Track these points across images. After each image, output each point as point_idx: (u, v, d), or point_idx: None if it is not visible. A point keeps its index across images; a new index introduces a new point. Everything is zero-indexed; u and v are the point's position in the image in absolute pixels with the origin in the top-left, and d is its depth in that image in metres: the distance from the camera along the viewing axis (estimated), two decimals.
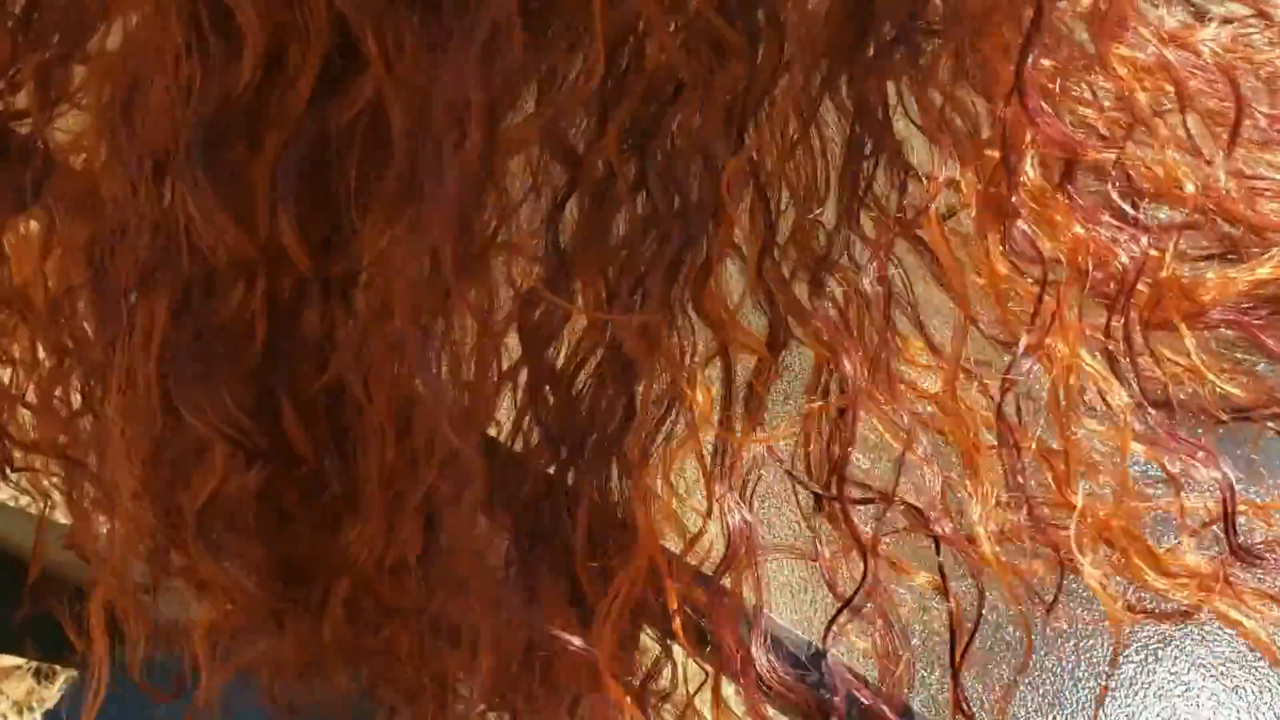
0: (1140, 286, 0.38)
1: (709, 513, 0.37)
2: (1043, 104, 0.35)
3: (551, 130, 0.35)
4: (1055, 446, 0.40)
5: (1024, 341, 0.37)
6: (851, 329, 0.38)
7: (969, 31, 0.36)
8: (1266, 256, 0.41)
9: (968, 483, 0.37)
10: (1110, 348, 0.36)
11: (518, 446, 0.40)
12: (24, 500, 0.53)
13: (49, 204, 0.40)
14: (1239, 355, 0.43)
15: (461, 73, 0.33)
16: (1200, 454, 0.37)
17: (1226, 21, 0.46)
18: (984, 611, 0.39)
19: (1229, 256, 0.43)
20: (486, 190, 0.36)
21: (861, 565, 0.38)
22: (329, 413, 0.41)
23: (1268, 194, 0.41)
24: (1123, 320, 0.36)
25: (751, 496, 0.37)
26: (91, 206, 0.39)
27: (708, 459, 0.36)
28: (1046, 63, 0.39)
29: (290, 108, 0.35)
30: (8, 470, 0.46)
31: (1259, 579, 0.40)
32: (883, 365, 0.38)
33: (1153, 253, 0.36)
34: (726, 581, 0.39)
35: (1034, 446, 0.38)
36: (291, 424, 0.40)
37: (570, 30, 0.35)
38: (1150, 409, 0.37)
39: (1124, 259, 0.35)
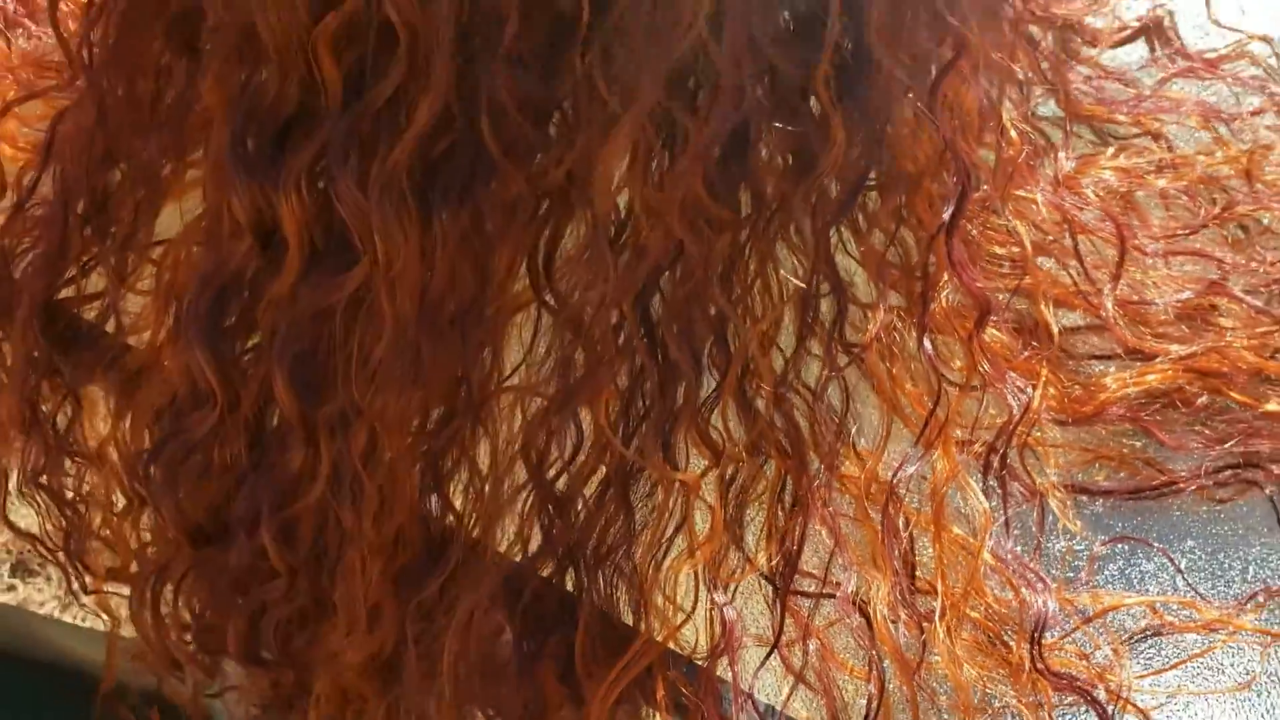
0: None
1: (694, 608, 0.44)
2: (963, 256, 0.43)
3: (556, 294, 0.42)
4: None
5: (910, 450, 0.44)
6: (807, 442, 0.45)
7: (904, 190, 0.43)
8: (1157, 364, 0.49)
9: (873, 571, 0.44)
10: (989, 460, 0.44)
11: (517, 553, 0.47)
12: (89, 620, 0.59)
13: (116, 377, 0.46)
14: (1137, 443, 0.51)
15: (456, 265, 0.39)
16: (1031, 578, 0.44)
17: (1123, 149, 0.54)
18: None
19: (1130, 357, 0.51)
20: (486, 350, 0.43)
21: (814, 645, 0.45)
22: (307, 535, 0.47)
23: (1154, 308, 0.48)
24: (1001, 450, 0.43)
25: (734, 594, 0.44)
26: (152, 379, 0.45)
27: (699, 566, 0.43)
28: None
29: (282, 286, 0.42)
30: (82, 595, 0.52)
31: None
32: (830, 472, 0.45)
33: (1034, 402, 0.43)
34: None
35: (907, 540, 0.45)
36: (270, 541, 0.46)
37: (569, 204, 0.42)
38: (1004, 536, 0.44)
39: (1012, 404, 0.43)
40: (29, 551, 0.65)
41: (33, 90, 0.50)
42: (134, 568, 0.49)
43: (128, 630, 0.51)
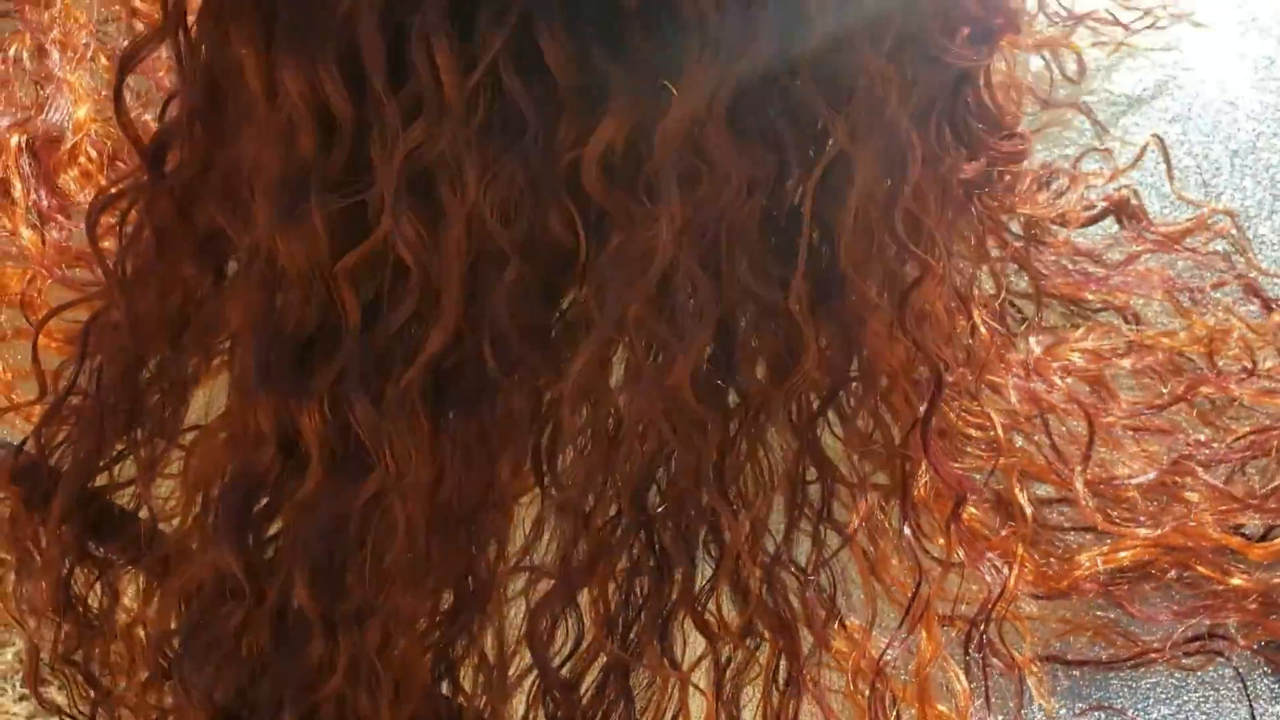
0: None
1: None
2: (940, 447, 0.46)
3: (558, 485, 0.45)
4: None
5: (896, 631, 0.46)
6: (800, 620, 0.48)
7: (880, 387, 0.47)
8: (1126, 542, 0.51)
9: None
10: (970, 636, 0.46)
11: None
12: None
13: (147, 562, 0.50)
14: (1110, 615, 0.53)
15: (465, 470, 0.43)
16: None
17: (1091, 330, 0.57)
18: None
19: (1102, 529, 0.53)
20: (495, 544, 0.46)
21: None
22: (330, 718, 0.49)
23: (1124, 486, 0.51)
24: (981, 627, 0.46)
25: None
26: (181, 565, 0.49)
27: None
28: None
29: (304, 493, 0.45)
30: None
31: None
32: (823, 649, 0.48)
33: (1011, 582, 0.46)
34: None
35: None
36: None
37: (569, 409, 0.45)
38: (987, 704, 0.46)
39: (990, 582, 0.45)
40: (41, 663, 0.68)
41: (71, 290, 0.54)
42: None
43: None
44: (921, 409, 0.46)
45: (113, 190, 0.48)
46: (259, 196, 0.42)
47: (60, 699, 0.56)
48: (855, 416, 0.48)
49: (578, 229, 0.40)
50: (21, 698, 1.33)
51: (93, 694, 0.53)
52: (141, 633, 0.49)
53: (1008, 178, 0.49)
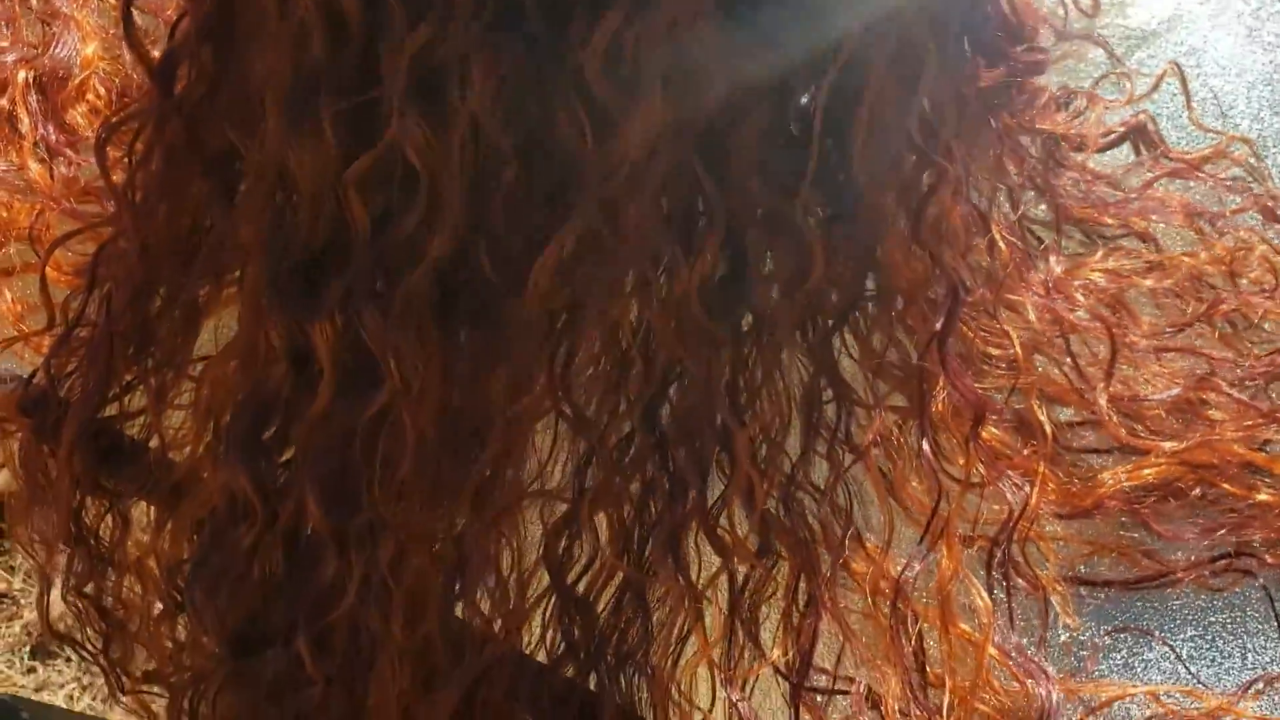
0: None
1: (713, 705, 0.46)
2: (958, 363, 0.45)
3: (572, 405, 0.44)
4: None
5: (916, 547, 0.46)
6: (818, 540, 0.48)
7: (897, 302, 0.46)
8: (1151, 459, 0.51)
9: (884, 666, 0.46)
10: (992, 555, 0.46)
11: (541, 655, 0.49)
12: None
13: (158, 491, 0.49)
14: (1135, 535, 0.52)
15: (476, 382, 0.42)
16: (1035, 670, 0.46)
17: (1112, 251, 0.56)
18: None
19: (1125, 449, 0.53)
20: (507, 459, 0.45)
21: None
22: (341, 644, 0.49)
23: (1147, 403, 0.51)
24: (1003, 545, 0.45)
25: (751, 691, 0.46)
26: (192, 493, 0.48)
27: (717, 666, 0.45)
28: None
29: (316, 408, 0.44)
30: (120, 695, 0.54)
31: None
32: (840, 570, 0.47)
33: (1033, 499, 0.45)
34: None
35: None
36: (305, 650, 0.49)
37: (580, 322, 0.44)
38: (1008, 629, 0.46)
39: (1011, 500, 0.45)
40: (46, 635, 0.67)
41: (80, 221, 0.53)
42: (170, 671, 0.51)
43: None
44: (939, 324, 0.45)
45: (123, 114, 0.48)
46: (269, 108, 0.42)
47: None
48: (871, 335, 0.47)
49: (585, 131, 0.39)
50: (29, 670, 1.32)
51: (105, 627, 0.53)
52: (153, 564, 0.49)
53: (1026, 93, 0.48)
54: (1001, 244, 0.47)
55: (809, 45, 0.42)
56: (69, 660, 1.43)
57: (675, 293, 0.42)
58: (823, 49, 0.41)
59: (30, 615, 1.46)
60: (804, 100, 0.42)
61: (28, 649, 1.52)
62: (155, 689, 0.53)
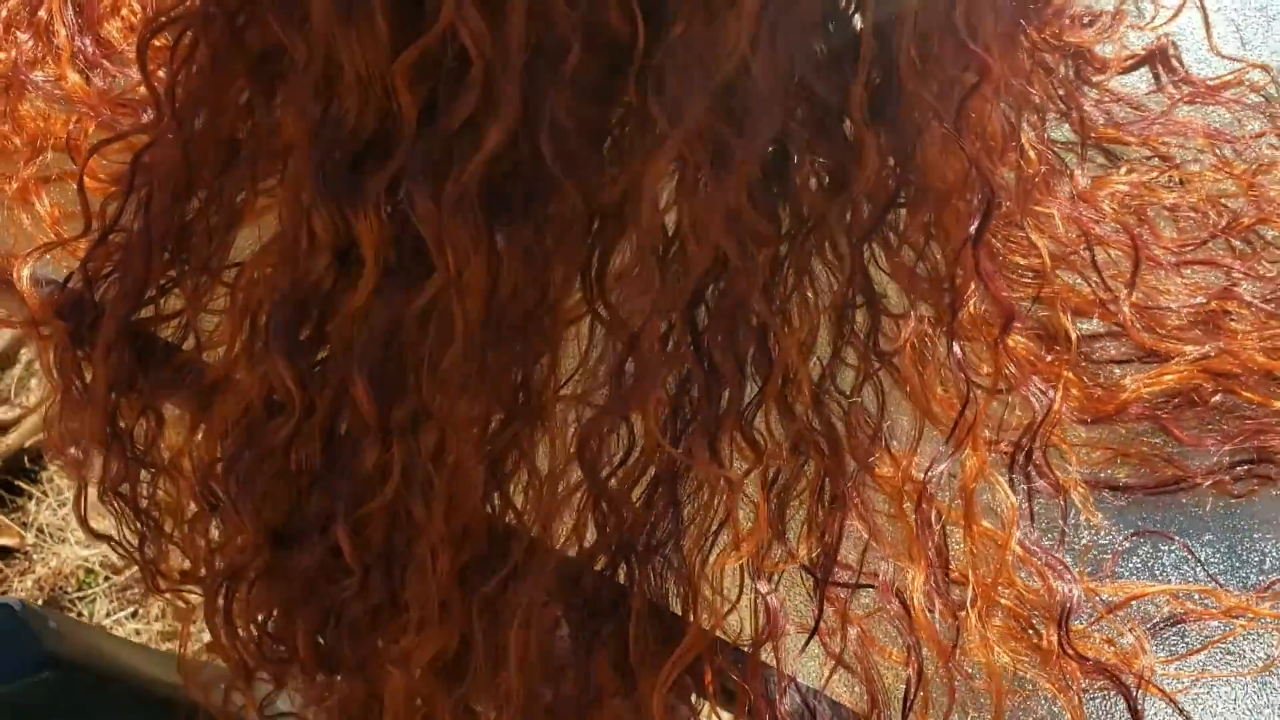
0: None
1: (739, 598, 0.47)
2: (989, 266, 0.46)
3: (608, 306, 0.45)
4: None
5: (941, 449, 0.47)
6: (844, 443, 0.48)
7: (932, 206, 0.47)
8: (1173, 365, 0.51)
9: (908, 563, 0.47)
10: (1015, 458, 0.47)
11: (573, 549, 0.50)
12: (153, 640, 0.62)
13: (191, 391, 0.50)
14: (1156, 440, 0.53)
15: (519, 277, 0.43)
16: (1057, 567, 0.47)
17: (1134, 169, 0.57)
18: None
19: (1147, 360, 0.54)
20: (548, 356, 0.46)
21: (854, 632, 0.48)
22: (379, 532, 0.50)
23: (1169, 313, 0.51)
24: (1027, 448, 0.46)
25: (777, 584, 0.46)
26: (226, 392, 0.49)
27: (744, 559, 0.46)
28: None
29: (358, 299, 0.45)
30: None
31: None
32: (866, 471, 0.48)
33: (1056, 403, 0.46)
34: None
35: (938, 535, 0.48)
36: (344, 539, 0.50)
37: (621, 221, 0.45)
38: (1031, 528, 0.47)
39: (1036, 405, 0.46)
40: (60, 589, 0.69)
41: (117, 130, 0.54)
42: (204, 572, 0.52)
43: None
44: (973, 227, 0.46)
45: (169, 14, 0.48)
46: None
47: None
48: (902, 245, 0.48)
49: (635, 18, 0.40)
50: None
51: (141, 527, 0.54)
52: (187, 464, 0.50)
53: (1054, 5, 0.49)
54: (1032, 153, 0.48)
55: None
56: (80, 615, 1.44)
57: (724, 185, 0.43)
58: None
59: (42, 570, 1.47)
60: None
61: (40, 603, 1.52)
62: (190, 589, 0.54)
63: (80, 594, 1.43)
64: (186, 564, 0.53)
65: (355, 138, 0.44)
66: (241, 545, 0.50)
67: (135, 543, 0.54)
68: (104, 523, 0.54)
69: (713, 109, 0.42)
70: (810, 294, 0.48)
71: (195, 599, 0.54)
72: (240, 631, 0.52)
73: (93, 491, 0.53)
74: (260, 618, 0.52)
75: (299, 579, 0.50)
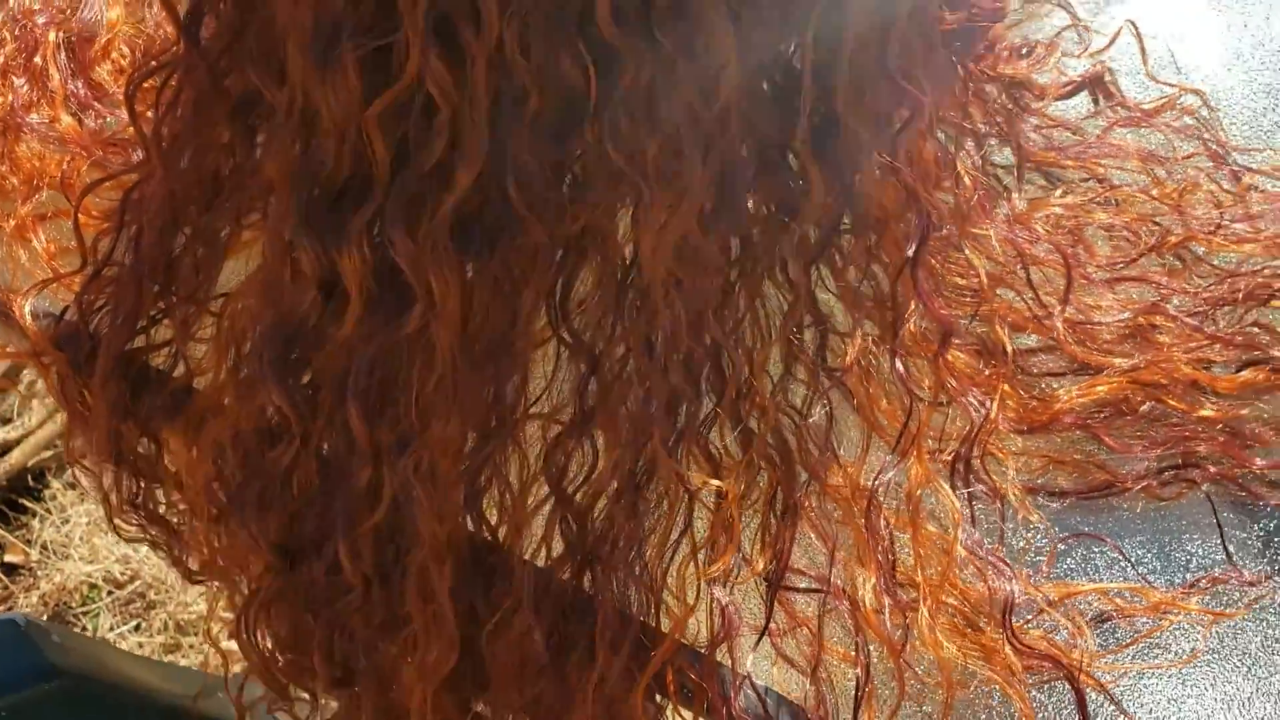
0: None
1: (697, 603, 0.50)
2: (928, 286, 0.49)
3: (572, 331, 0.48)
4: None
5: (887, 459, 0.50)
6: (796, 455, 0.52)
7: (873, 231, 0.50)
8: (1104, 376, 0.55)
9: (859, 567, 0.50)
10: (956, 466, 0.50)
11: (541, 559, 0.53)
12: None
13: (183, 416, 0.53)
14: (1089, 448, 0.56)
15: (489, 307, 0.46)
16: (998, 566, 0.50)
17: (1070, 191, 0.60)
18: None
19: (1080, 372, 0.57)
20: (517, 378, 0.49)
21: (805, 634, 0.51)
22: (376, 548, 0.53)
23: (1101, 327, 0.55)
24: (966, 455, 0.50)
25: (733, 590, 0.50)
26: (215, 417, 0.52)
27: (701, 565, 0.49)
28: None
29: (345, 331, 0.48)
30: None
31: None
32: (817, 482, 0.51)
33: (993, 413, 0.50)
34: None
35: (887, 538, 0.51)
36: (344, 556, 0.53)
37: (582, 252, 0.48)
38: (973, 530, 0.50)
39: (974, 415, 0.49)
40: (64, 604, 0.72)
41: (108, 170, 0.57)
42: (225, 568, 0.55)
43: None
44: (911, 251, 0.49)
45: (154, 63, 0.51)
46: (293, 53, 0.45)
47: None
48: (849, 264, 0.51)
49: (587, 67, 0.43)
50: None
51: (161, 533, 0.57)
52: (188, 480, 0.53)
53: (987, 39, 0.52)
54: (967, 179, 0.51)
55: None
56: (85, 629, 1.47)
57: (678, 218, 0.46)
58: None
59: (47, 586, 1.50)
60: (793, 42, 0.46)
61: (45, 618, 1.55)
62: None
63: (84, 609, 1.46)
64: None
65: (334, 179, 0.47)
66: (251, 565, 0.54)
67: (161, 543, 0.57)
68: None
69: (666, 148, 0.45)
70: (762, 315, 0.51)
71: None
72: (261, 649, 0.55)
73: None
74: (278, 634, 0.55)
75: (307, 595, 0.53)
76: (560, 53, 0.43)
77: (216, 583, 0.57)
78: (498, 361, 0.48)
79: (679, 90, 0.44)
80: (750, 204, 0.48)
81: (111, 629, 1.40)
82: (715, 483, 0.48)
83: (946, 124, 0.51)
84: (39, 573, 1.47)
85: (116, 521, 0.57)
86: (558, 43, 0.43)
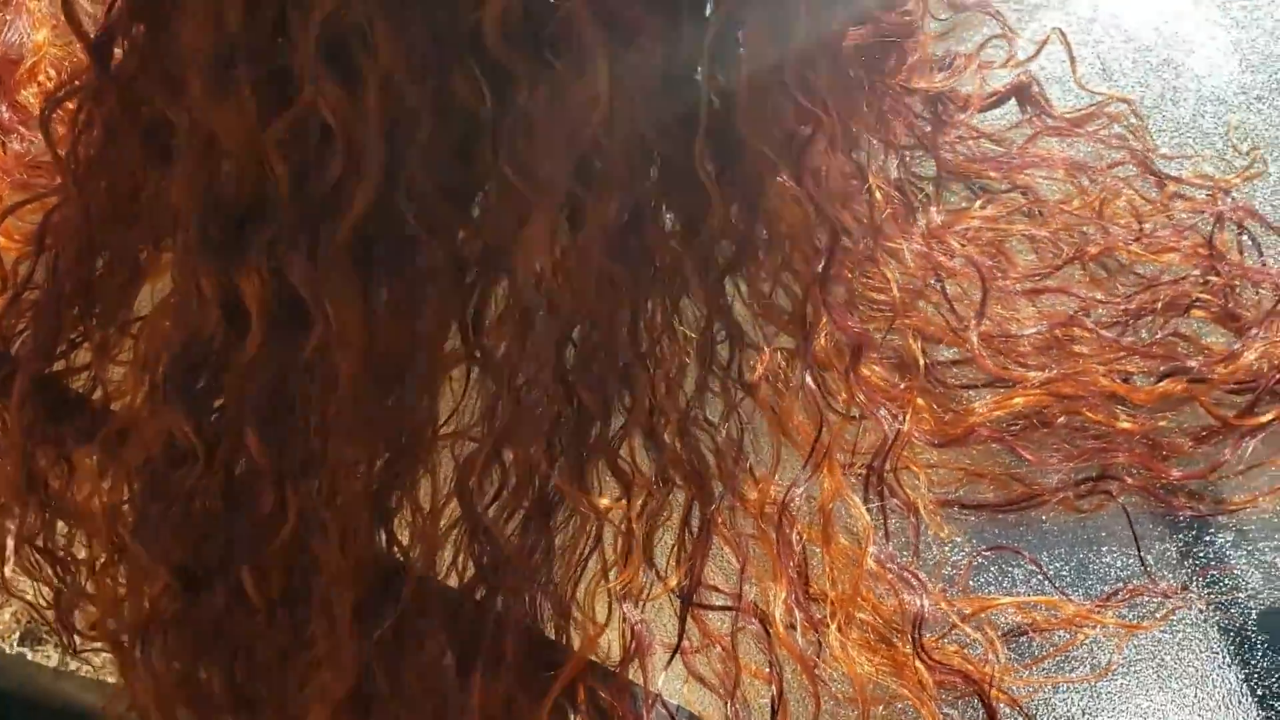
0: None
1: (608, 621, 0.50)
2: (839, 301, 0.49)
3: (484, 351, 0.48)
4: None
5: (799, 474, 0.50)
6: (711, 471, 0.52)
7: (783, 248, 0.50)
8: (1020, 389, 0.55)
9: (771, 582, 0.50)
10: (869, 480, 0.50)
11: (453, 580, 0.53)
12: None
13: (101, 439, 0.53)
14: (1008, 461, 0.57)
15: (393, 328, 0.46)
16: (910, 581, 0.50)
17: (990, 202, 0.60)
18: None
19: (998, 385, 0.57)
20: (426, 400, 0.49)
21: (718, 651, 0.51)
22: (280, 572, 0.53)
23: (1019, 339, 0.55)
24: (879, 469, 0.50)
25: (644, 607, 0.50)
26: (132, 439, 0.52)
27: (613, 584, 0.49)
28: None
29: (247, 353, 0.48)
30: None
31: None
32: (731, 496, 0.51)
33: (906, 424, 0.50)
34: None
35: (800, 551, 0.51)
36: (248, 581, 0.53)
37: (492, 271, 0.48)
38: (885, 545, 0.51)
39: (887, 429, 0.49)
40: (36, 621, 0.72)
41: (30, 193, 0.57)
42: (116, 624, 0.55)
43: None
44: (821, 267, 0.49)
45: (65, 88, 0.52)
46: (192, 77, 0.46)
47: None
48: (759, 280, 0.51)
49: (481, 89, 0.43)
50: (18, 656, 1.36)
51: (56, 578, 0.57)
52: (98, 507, 0.53)
53: (899, 53, 0.52)
54: (879, 195, 0.51)
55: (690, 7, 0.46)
56: (57, 646, 1.47)
57: (581, 241, 0.46)
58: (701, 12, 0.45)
59: (16, 605, 1.49)
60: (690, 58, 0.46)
61: (16, 635, 1.55)
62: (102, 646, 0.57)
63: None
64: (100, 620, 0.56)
65: (236, 201, 0.47)
66: (152, 592, 0.54)
67: (50, 599, 0.57)
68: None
69: (563, 170, 0.45)
70: (675, 332, 0.51)
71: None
72: (160, 678, 0.55)
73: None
74: (178, 663, 0.55)
75: (209, 621, 0.53)
76: (453, 74, 0.44)
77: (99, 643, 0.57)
78: (403, 383, 0.48)
79: (574, 111, 0.44)
80: (657, 224, 0.48)
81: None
82: (622, 504, 0.48)
83: (857, 140, 0.51)
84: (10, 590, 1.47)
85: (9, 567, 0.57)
86: (450, 64, 0.43)
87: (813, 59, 0.47)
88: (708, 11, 0.44)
